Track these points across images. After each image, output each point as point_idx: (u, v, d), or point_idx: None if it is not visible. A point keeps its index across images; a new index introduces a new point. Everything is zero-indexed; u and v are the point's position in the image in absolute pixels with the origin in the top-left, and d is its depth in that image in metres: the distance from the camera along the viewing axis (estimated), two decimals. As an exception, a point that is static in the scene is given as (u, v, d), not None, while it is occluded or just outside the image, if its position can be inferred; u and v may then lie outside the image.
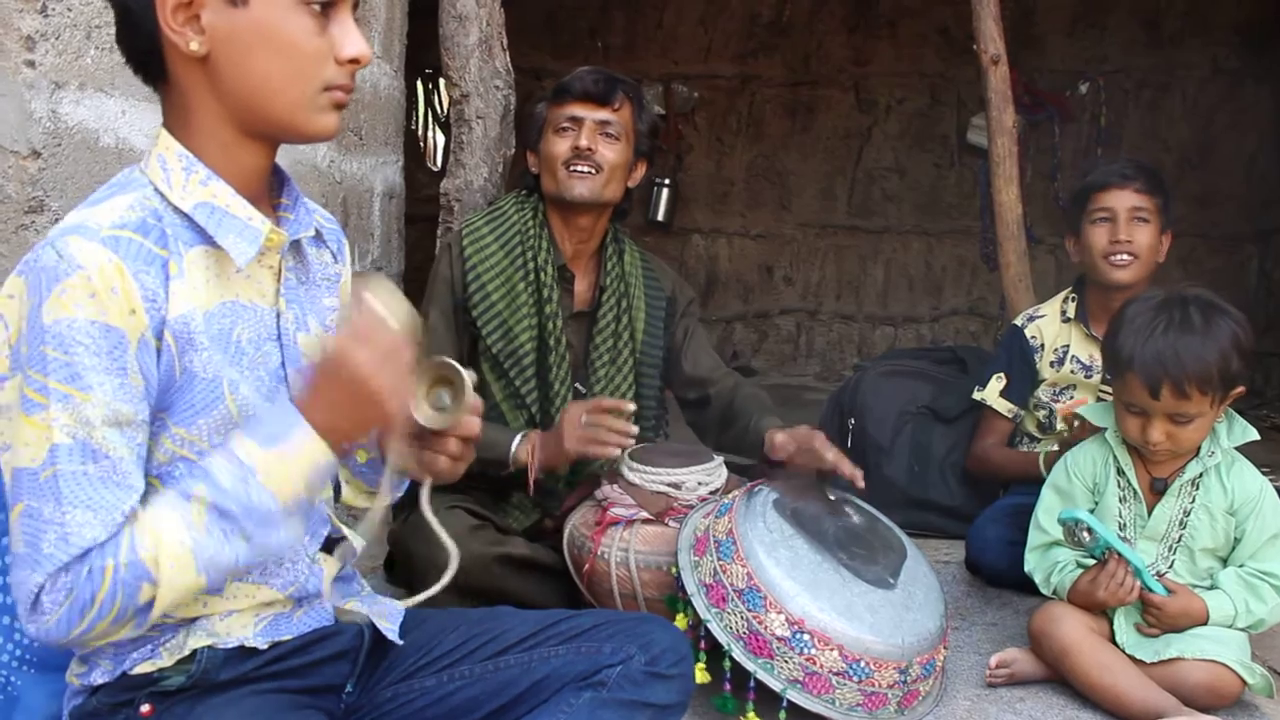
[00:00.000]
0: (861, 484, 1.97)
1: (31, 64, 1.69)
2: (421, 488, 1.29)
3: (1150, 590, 1.92)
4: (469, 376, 1.21)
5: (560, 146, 2.14)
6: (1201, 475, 1.99)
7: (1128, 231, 2.53)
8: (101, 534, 1.04)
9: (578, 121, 2.14)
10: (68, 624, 1.04)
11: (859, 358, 5.84)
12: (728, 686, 1.75)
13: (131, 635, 1.12)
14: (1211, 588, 1.98)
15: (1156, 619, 1.93)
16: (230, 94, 1.14)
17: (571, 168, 2.13)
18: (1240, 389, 1.94)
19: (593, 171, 2.13)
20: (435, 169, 6.12)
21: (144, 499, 1.10)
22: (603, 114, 2.15)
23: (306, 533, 1.26)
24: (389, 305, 1.13)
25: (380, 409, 1.12)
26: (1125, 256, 2.53)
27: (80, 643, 1.09)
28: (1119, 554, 1.89)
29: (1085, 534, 1.88)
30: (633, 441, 1.96)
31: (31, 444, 1.03)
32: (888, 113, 5.97)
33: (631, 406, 2.02)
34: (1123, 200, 2.54)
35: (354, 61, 1.16)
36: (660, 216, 5.92)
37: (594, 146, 2.13)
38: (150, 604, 1.07)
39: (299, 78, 1.14)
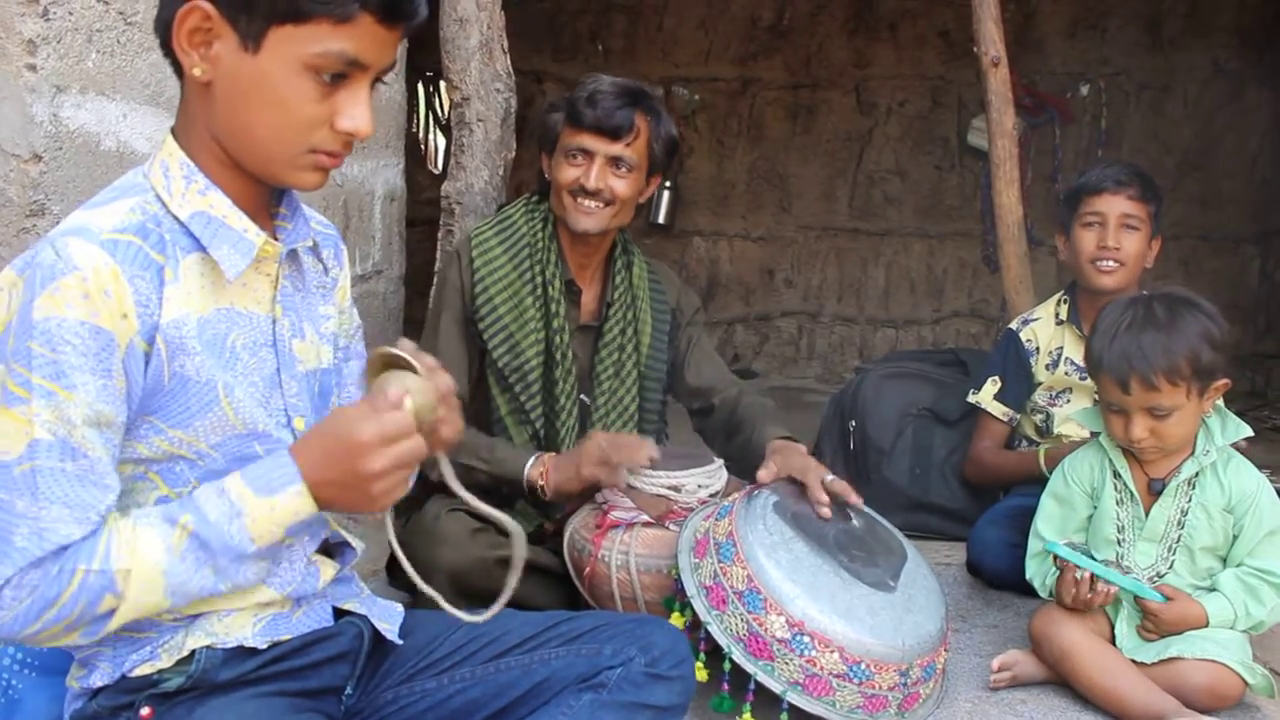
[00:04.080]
0: (854, 499, 1.94)
1: (33, 68, 1.69)
2: (443, 467, 1.25)
3: (1146, 598, 1.92)
4: (406, 345, 1.17)
5: (569, 175, 2.08)
6: (1198, 474, 1.99)
7: (1116, 238, 2.52)
8: (76, 532, 1.05)
9: (589, 155, 2.07)
10: (23, 621, 1.03)
11: (860, 360, 5.82)
12: (725, 688, 1.75)
13: (80, 644, 1.11)
14: (1212, 589, 1.98)
15: (1155, 625, 1.93)
16: (218, 126, 1.15)
17: (580, 200, 2.08)
18: (1223, 382, 1.95)
19: (601, 206, 2.08)
20: (436, 172, 6.12)
21: (129, 513, 1.10)
22: (615, 149, 2.06)
23: (307, 535, 1.26)
24: (411, 390, 1.12)
25: (367, 498, 1.12)
26: (1112, 263, 2.53)
27: (25, 641, 1.08)
28: (1104, 579, 1.90)
29: (1067, 564, 1.90)
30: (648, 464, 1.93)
31: (8, 436, 1.04)
32: (888, 115, 5.96)
33: (655, 454, 1.94)
34: (1114, 206, 2.53)
35: (350, 133, 1.15)
36: (661, 219, 5.92)
37: (602, 187, 2.07)
38: (109, 615, 1.07)
39: (283, 136, 1.14)
